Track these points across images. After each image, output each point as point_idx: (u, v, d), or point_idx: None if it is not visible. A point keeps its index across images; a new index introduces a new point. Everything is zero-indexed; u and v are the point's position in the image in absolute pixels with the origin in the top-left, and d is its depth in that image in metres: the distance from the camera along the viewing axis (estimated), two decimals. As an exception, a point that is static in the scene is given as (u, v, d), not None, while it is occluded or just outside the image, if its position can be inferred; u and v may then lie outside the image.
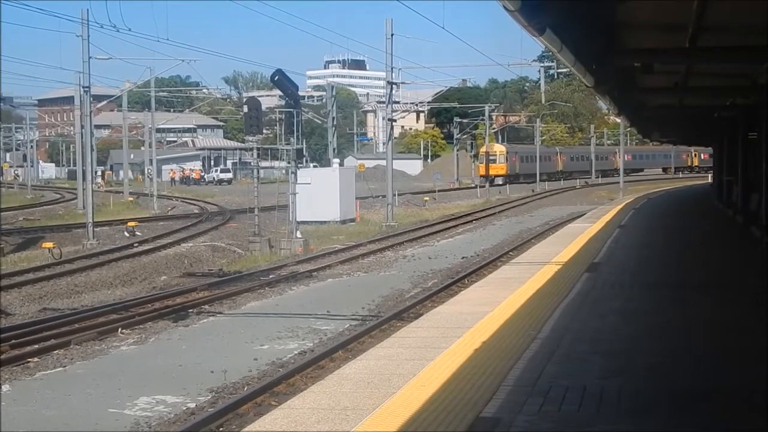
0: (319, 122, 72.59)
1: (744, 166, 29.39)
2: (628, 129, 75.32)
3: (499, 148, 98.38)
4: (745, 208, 28.51)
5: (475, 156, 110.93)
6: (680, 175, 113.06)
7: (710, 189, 55.05)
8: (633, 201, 49.22)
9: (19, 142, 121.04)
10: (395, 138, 74.04)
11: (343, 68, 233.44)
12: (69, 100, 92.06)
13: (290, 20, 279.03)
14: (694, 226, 31.94)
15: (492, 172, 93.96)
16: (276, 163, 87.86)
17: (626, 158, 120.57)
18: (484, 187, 76.51)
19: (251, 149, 41.90)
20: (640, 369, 9.44)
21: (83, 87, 40.82)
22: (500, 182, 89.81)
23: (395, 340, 11.56)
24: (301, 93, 50.24)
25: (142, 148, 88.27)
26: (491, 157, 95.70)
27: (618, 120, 71.72)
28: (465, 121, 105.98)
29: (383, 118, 60.15)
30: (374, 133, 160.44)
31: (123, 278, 27.64)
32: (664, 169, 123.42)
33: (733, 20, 14.24)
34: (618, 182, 72.91)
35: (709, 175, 73.97)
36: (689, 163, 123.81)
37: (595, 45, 15.74)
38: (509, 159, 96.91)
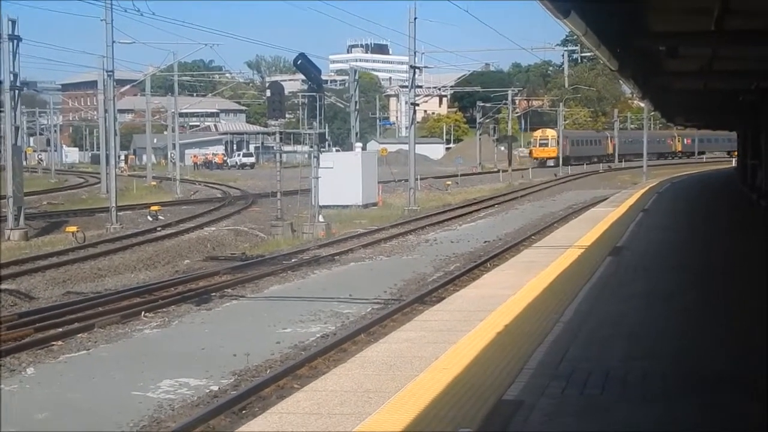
0: (342, 106, 72.60)
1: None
2: (652, 113, 75.01)
3: (551, 133, 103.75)
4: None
5: (498, 140, 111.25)
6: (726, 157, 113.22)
7: (735, 173, 54.69)
8: (656, 185, 48.97)
9: (42, 126, 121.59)
10: (418, 122, 73.77)
11: (366, 53, 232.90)
12: (92, 84, 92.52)
13: (313, 4, 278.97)
14: (718, 210, 31.75)
15: (543, 155, 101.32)
16: (298, 148, 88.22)
17: (686, 142, 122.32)
18: (506, 171, 76.72)
19: (274, 133, 41.85)
20: (663, 353, 9.40)
21: (107, 71, 40.85)
22: (552, 164, 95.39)
23: (417, 323, 11.55)
24: (323, 77, 50.24)
25: (165, 133, 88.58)
26: (543, 141, 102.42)
27: (642, 104, 71.36)
28: (488, 105, 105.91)
29: (406, 103, 60.02)
30: (397, 117, 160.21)
31: (146, 262, 27.73)
32: (729, 153, 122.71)
33: (760, 3, 14.08)
34: (641, 166, 72.50)
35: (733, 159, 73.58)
36: None
37: (619, 28, 15.62)
38: (560, 143, 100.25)
